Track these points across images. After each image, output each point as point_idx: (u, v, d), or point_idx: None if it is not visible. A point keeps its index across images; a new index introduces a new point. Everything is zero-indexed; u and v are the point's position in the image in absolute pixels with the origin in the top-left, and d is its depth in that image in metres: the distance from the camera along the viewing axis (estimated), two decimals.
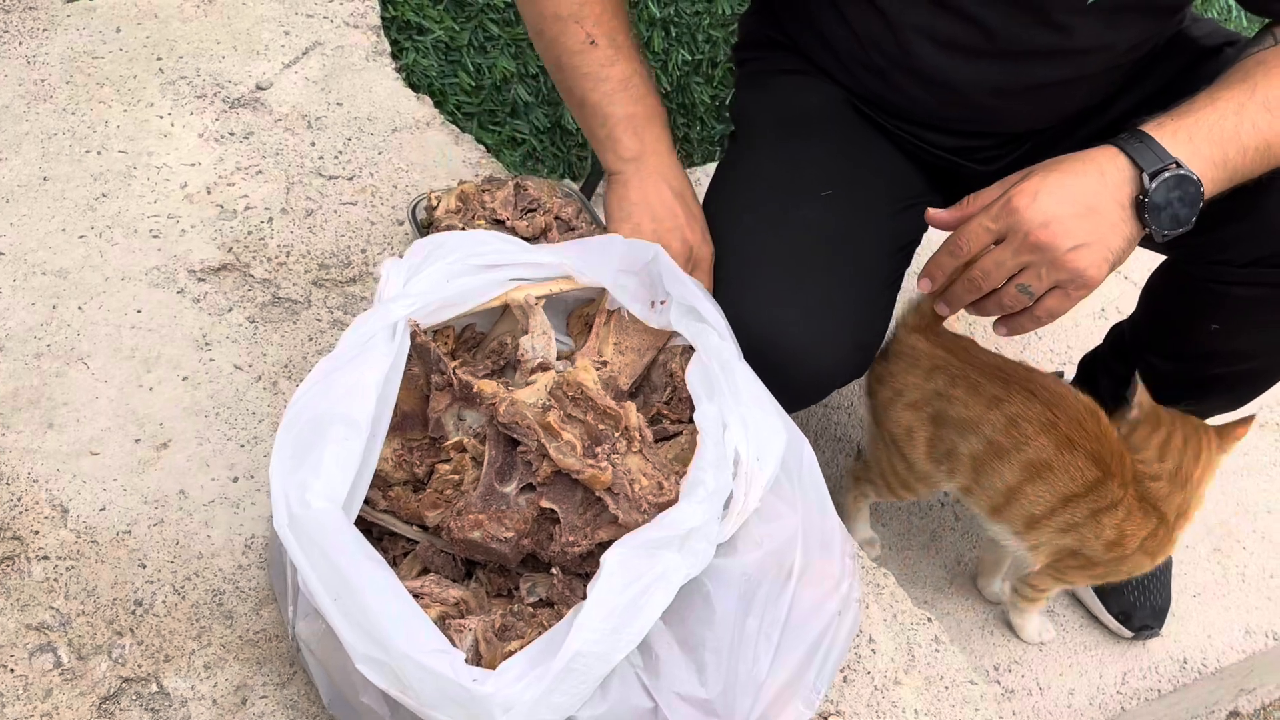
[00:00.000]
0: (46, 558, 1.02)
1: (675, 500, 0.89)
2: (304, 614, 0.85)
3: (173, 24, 1.52)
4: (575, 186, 1.30)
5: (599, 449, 0.91)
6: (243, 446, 1.12)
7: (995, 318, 1.04)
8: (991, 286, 0.99)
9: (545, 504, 0.89)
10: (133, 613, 1.00)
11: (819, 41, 1.20)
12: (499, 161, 1.47)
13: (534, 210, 1.18)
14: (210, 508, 1.07)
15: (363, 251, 1.31)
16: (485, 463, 0.90)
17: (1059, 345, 1.85)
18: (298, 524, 0.81)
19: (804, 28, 1.21)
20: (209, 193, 1.33)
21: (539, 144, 2.01)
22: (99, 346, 1.17)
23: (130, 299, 1.22)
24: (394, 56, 1.62)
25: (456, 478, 0.95)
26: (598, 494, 0.88)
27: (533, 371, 1.01)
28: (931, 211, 1.03)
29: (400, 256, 0.99)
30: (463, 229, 1.18)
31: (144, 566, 1.03)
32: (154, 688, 0.96)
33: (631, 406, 0.94)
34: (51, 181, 1.31)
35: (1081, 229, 0.93)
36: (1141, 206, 0.94)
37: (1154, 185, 0.93)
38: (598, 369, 1.07)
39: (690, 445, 1.00)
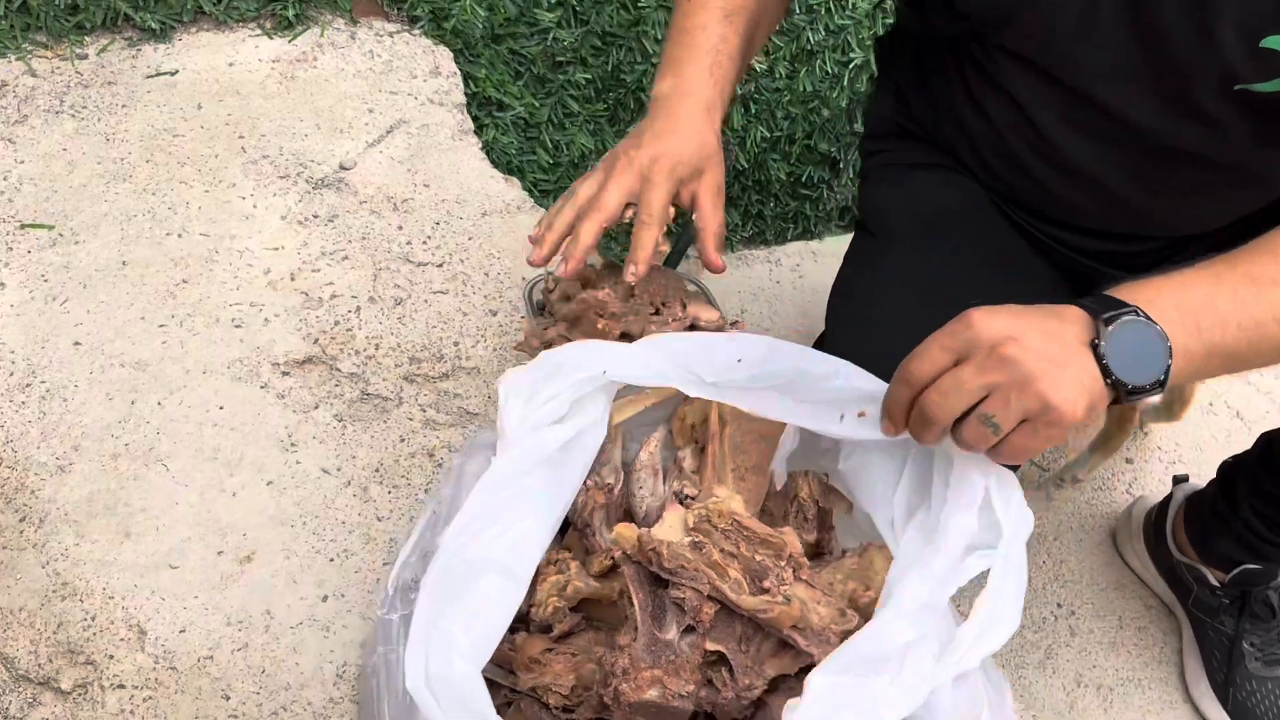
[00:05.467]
0: (122, 686, 0.93)
1: (856, 629, 0.80)
2: None
3: (254, 100, 1.47)
4: (700, 281, 1.22)
5: (765, 582, 0.82)
6: (332, 561, 1.04)
7: None
8: (950, 415, 0.81)
9: (711, 646, 0.80)
10: None
11: (957, 132, 1.12)
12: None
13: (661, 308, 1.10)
14: (298, 630, 0.99)
15: (455, 344, 1.23)
16: (637, 609, 0.80)
17: (1166, 443, 1.74)
18: (437, 684, 0.72)
19: (940, 118, 1.13)
20: (293, 279, 1.27)
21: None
22: (180, 446, 1.10)
23: (212, 394, 1.14)
24: (475, 134, 1.56)
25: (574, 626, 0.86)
26: (785, 632, 0.79)
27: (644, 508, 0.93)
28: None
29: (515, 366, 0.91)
30: (577, 320, 1.10)
31: (227, 698, 0.94)
32: None
33: (791, 532, 0.85)
34: (130, 266, 1.25)
35: (1050, 348, 0.79)
36: (1098, 351, 0.81)
37: (1110, 328, 0.82)
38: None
39: (850, 566, 0.91)
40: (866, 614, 0.87)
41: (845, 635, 0.82)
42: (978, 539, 0.84)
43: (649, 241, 1.00)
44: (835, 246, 2.17)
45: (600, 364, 0.90)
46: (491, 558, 0.78)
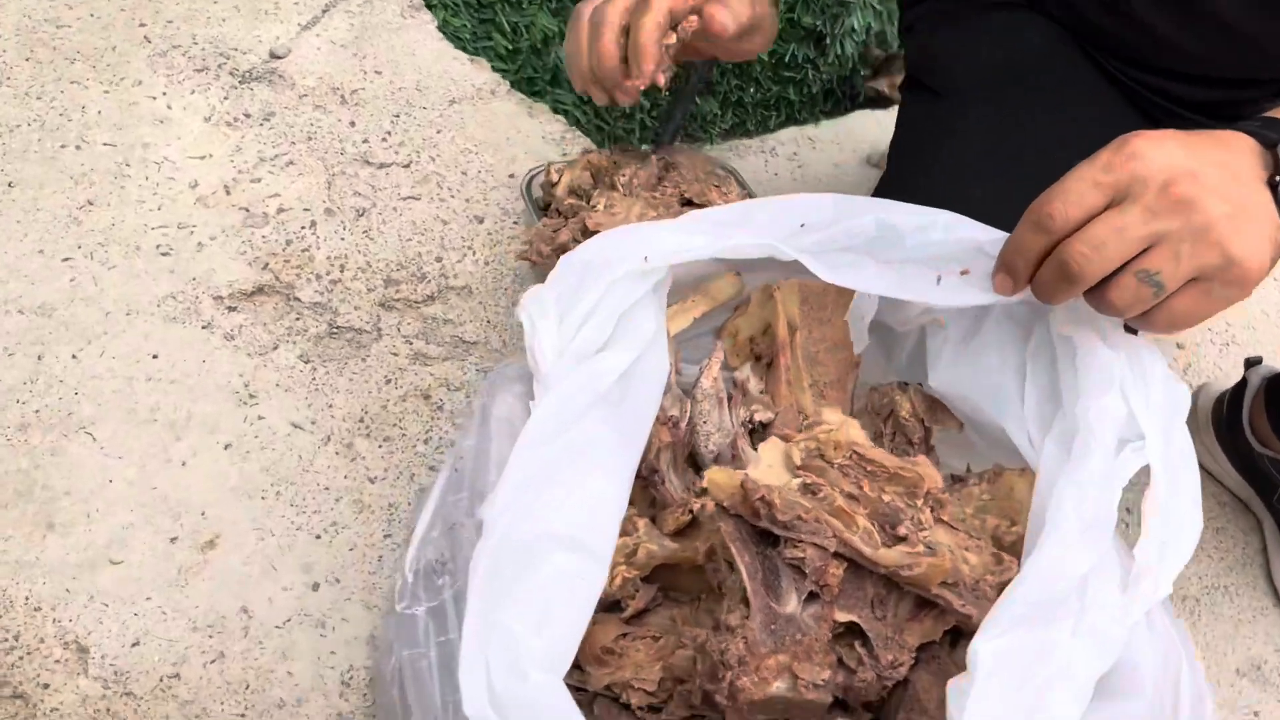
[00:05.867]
0: None
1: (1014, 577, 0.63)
2: None
3: None
4: (730, 165, 1.01)
5: (899, 529, 0.63)
6: (318, 538, 0.82)
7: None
8: (1101, 271, 0.63)
9: (841, 616, 0.61)
10: None
11: None
12: (586, 137, 1.17)
13: (693, 196, 0.89)
14: (286, 630, 0.78)
15: (437, 260, 1.01)
16: (744, 576, 0.61)
17: (1214, 321, 1.60)
18: (509, 705, 0.52)
19: None
20: (228, 192, 1.02)
21: (583, 116, 1.72)
22: (106, 409, 0.87)
23: (141, 340, 0.91)
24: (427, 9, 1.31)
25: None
26: (934, 591, 0.61)
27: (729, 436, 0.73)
28: None
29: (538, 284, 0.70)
30: (600, 213, 0.88)
31: None
32: None
33: (927, 463, 0.67)
34: (19, 188, 0.99)
35: (1229, 188, 0.62)
36: (1277, 191, 0.64)
37: None
38: (804, 425, 0.79)
39: (981, 498, 0.73)
40: (1015, 555, 0.69)
41: (1001, 587, 0.65)
42: (1126, 429, 0.67)
43: (652, 29, 0.80)
44: (831, 132, 1.97)
45: (637, 249, 0.69)
46: (556, 531, 0.58)
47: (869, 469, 0.67)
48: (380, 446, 0.88)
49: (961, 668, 0.66)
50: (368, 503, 0.85)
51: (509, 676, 0.54)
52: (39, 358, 0.89)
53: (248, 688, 0.75)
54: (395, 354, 0.94)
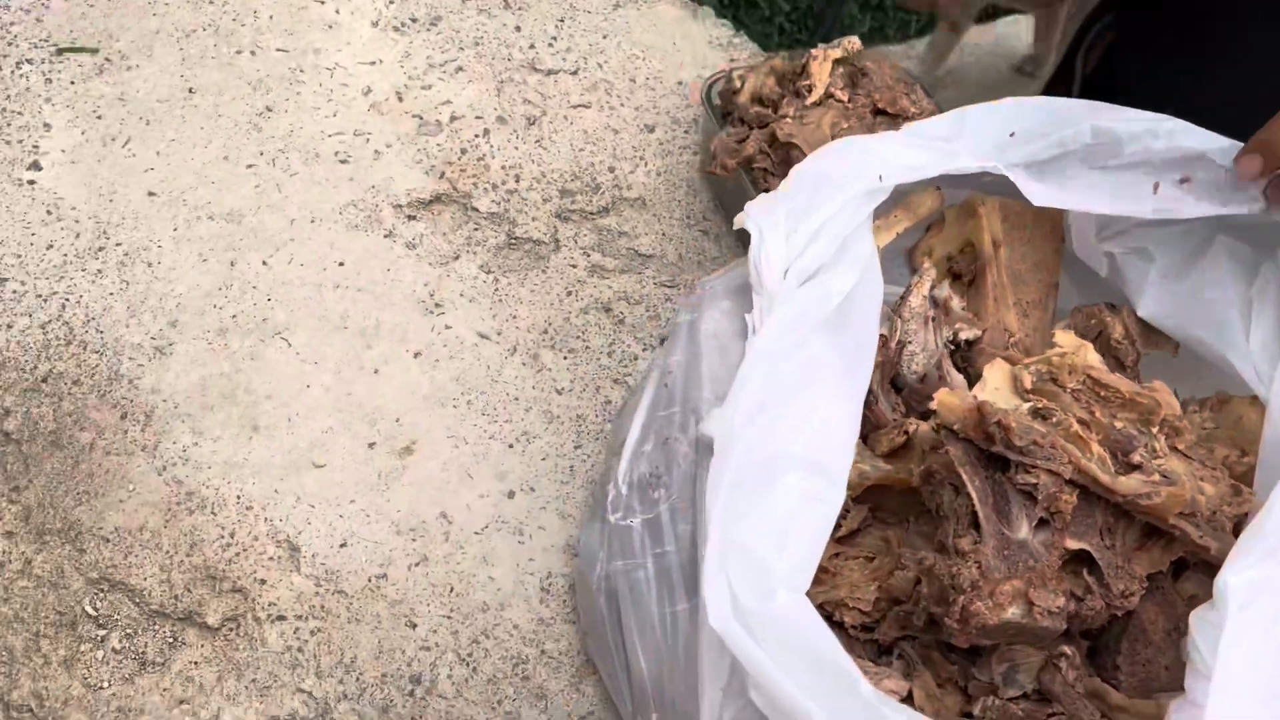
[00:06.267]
0: (282, 617, 0.75)
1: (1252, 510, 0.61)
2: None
3: None
4: (910, 70, 0.97)
5: (1133, 457, 0.61)
6: (511, 447, 0.83)
7: None
8: None
9: (1072, 544, 0.60)
10: (411, 694, 0.73)
11: None
12: (753, 42, 1.14)
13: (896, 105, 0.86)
14: (485, 537, 0.79)
15: (610, 170, 1.00)
16: (975, 500, 0.60)
17: None
18: (754, 620, 0.52)
19: None
20: (400, 99, 1.02)
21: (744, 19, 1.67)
22: (298, 315, 0.88)
23: (327, 248, 0.92)
24: None
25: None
26: (1171, 521, 0.59)
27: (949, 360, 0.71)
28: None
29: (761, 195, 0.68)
30: (791, 123, 0.85)
31: (414, 626, 0.75)
32: None
33: (1164, 388, 0.64)
34: (199, 94, 1.00)
35: None
36: None
37: None
38: (1009, 344, 0.77)
39: (1204, 426, 0.70)
40: (1247, 485, 0.67)
41: (1239, 519, 0.62)
42: None
43: None
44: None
45: (871, 166, 0.67)
46: (795, 452, 0.58)
47: (1102, 394, 0.64)
48: (565, 359, 0.88)
49: (1186, 601, 0.65)
50: (556, 414, 0.85)
51: (754, 594, 0.54)
52: (231, 264, 0.90)
53: (452, 590, 0.77)
54: (574, 266, 0.93)
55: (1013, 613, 0.59)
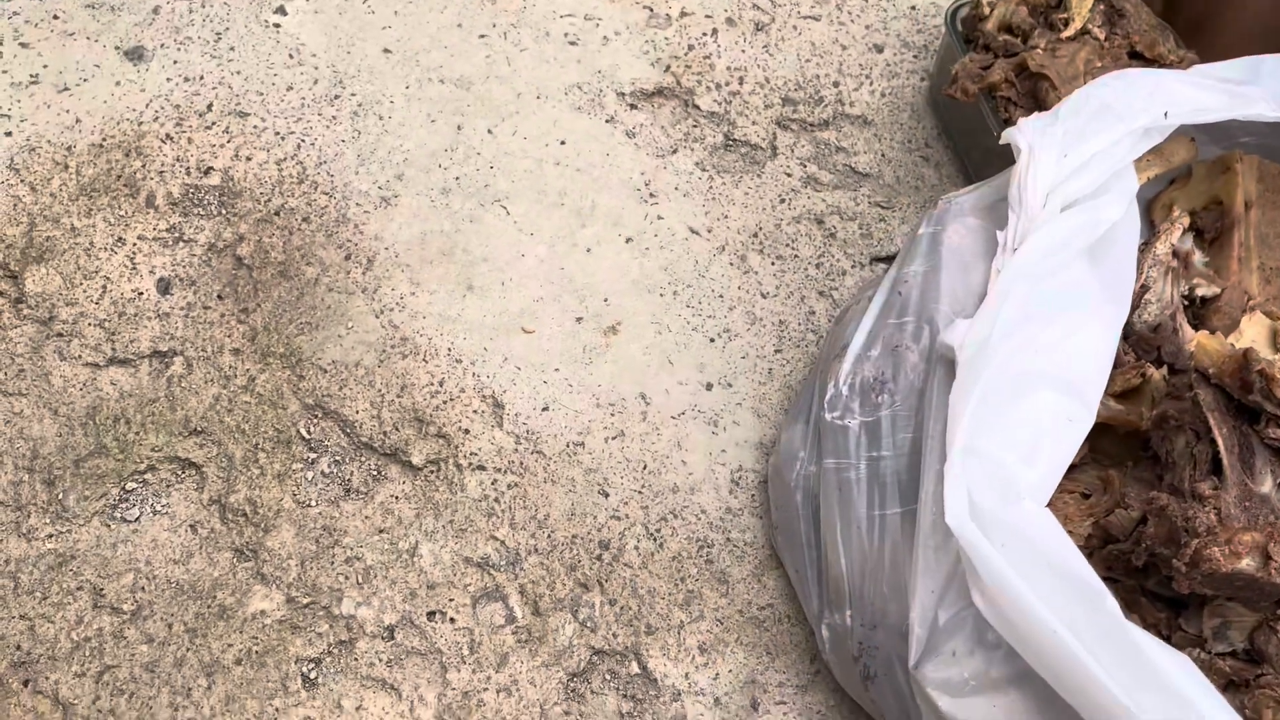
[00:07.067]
0: (482, 468, 0.77)
1: None
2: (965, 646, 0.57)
3: None
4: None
5: None
6: (712, 341, 0.84)
7: None
8: None
9: None
10: (598, 558, 0.75)
11: None
12: None
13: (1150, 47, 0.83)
14: (681, 422, 0.80)
15: (834, 85, 0.98)
16: (1222, 449, 0.58)
17: None
18: (992, 525, 0.52)
19: None
20: None
21: None
22: (518, 186, 0.90)
23: (550, 125, 0.93)
24: None
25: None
26: None
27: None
28: None
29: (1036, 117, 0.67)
30: (1043, 54, 0.83)
31: (606, 495, 0.77)
32: (634, 668, 0.71)
33: None
34: None
35: None
36: None
37: None
38: (1248, 307, 0.74)
39: None
40: None
41: None
42: None
43: None
44: None
45: (1159, 102, 0.64)
46: (1052, 371, 0.57)
47: None
48: (773, 264, 0.88)
49: None
50: (759, 316, 0.85)
51: (997, 500, 0.53)
52: (458, 128, 0.92)
53: (645, 468, 0.78)
54: (789, 174, 0.93)
55: (1247, 563, 0.57)
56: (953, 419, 0.56)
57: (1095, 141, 0.63)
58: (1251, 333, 0.63)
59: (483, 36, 0.98)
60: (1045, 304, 0.59)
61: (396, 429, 0.78)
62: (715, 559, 0.75)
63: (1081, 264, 0.62)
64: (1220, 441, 0.59)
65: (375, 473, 0.77)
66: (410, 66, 0.95)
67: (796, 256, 0.89)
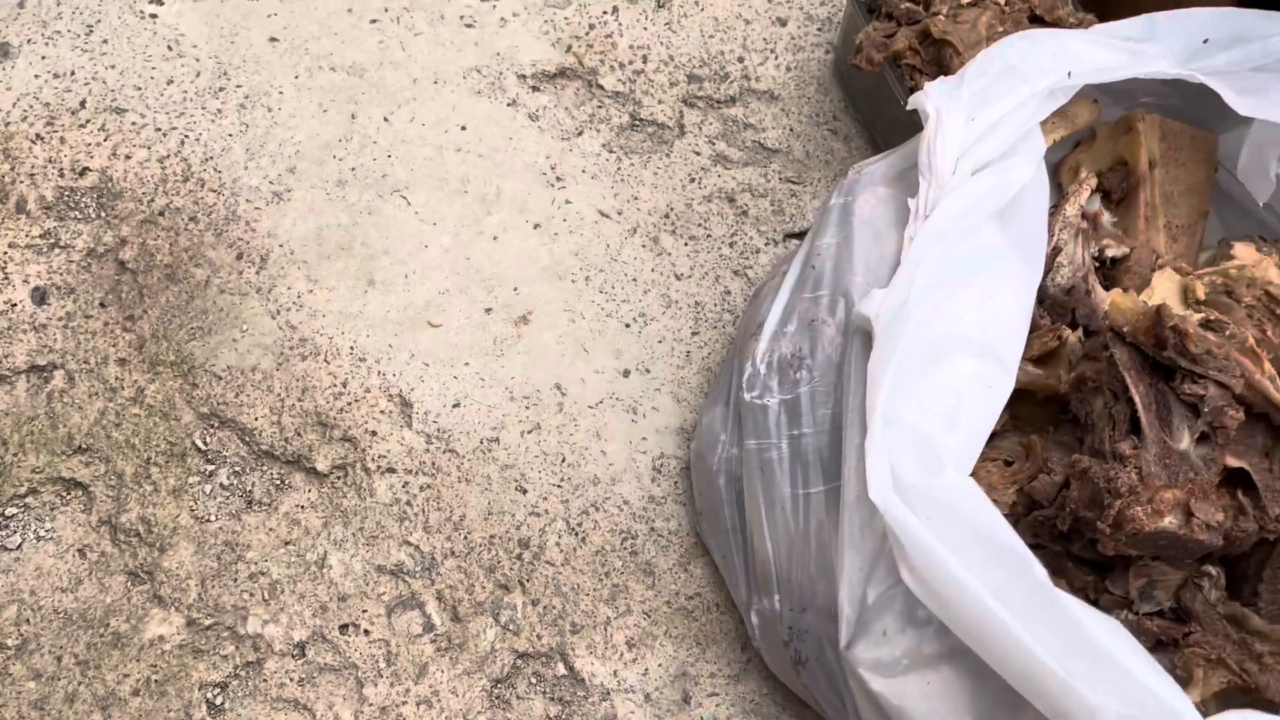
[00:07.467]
0: (392, 470, 0.74)
1: None
2: (896, 625, 0.55)
3: None
4: None
5: None
6: (628, 326, 0.82)
7: None
8: None
9: (1232, 462, 0.58)
10: (519, 558, 0.72)
11: None
12: None
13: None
14: (598, 411, 0.78)
15: (739, 60, 0.96)
16: (1139, 407, 0.58)
17: None
18: (915, 497, 0.50)
19: None
20: None
21: None
22: (419, 174, 0.86)
23: (449, 110, 0.90)
24: None
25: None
26: None
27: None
28: None
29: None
30: (945, 20, 0.82)
31: (524, 491, 0.74)
32: (561, 669, 0.69)
33: None
34: None
35: None
36: None
37: None
38: (1155, 266, 0.74)
39: None
40: None
41: None
42: None
43: None
44: None
45: (1062, 62, 0.63)
46: (969, 335, 0.55)
47: (1275, 311, 0.62)
48: (686, 245, 0.86)
49: None
50: (674, 298, 0.83)
51: (919, 470, 0.52)
52: (352, 117, 0.88)
53: (563, 461, 0.75)
54: (698, 153, 0.91)
55: (1169, 521, 0.57)
56: (872, 388, 0.55)
57: (1002, 104, 0.62)
58: (1162, 290, 0.62)
59: (374, 21, 0.93)
60: (959, 269, 0.58)
61: (299, 434, 0.74)
62: (640, 550, 0.73)
63: (993, 227, 0.61)
64: (1138, 400, 0.59)
65: (278, 482, 0.73)
66: (299, 55, 0.91)
67: (709, 236, 0.87)
